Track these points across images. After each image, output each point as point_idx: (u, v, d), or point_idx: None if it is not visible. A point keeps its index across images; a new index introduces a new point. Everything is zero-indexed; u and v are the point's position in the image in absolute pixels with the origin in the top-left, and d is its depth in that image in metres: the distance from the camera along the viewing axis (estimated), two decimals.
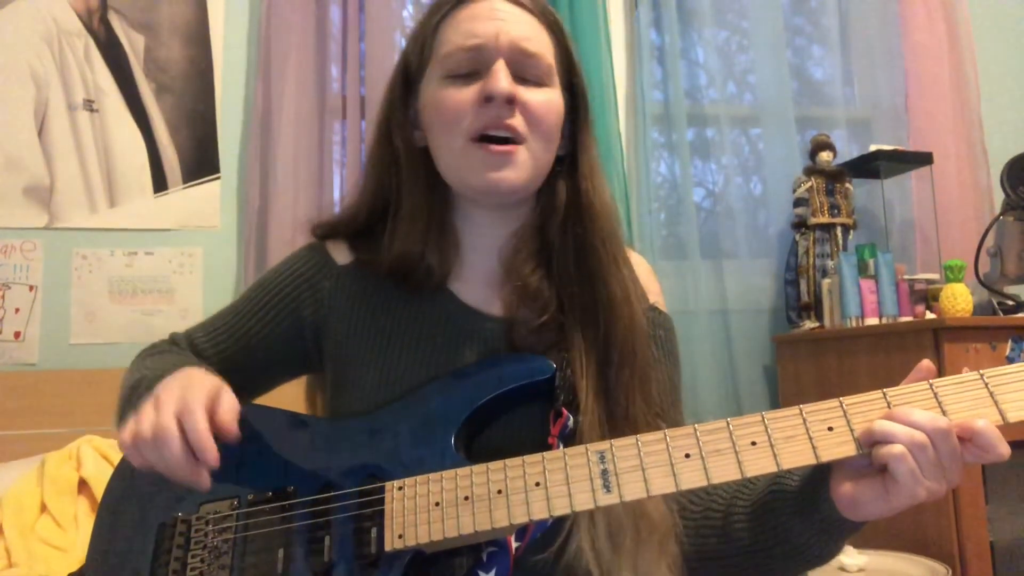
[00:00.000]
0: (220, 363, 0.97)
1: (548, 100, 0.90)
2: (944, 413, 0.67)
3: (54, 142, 2.20)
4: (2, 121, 2.18)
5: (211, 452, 0.72)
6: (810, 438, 0.68)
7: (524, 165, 0.88)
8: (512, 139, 0.87)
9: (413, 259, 0.90)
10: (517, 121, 0.87)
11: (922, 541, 1.87)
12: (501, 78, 0.85)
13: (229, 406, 0.76)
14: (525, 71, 0.89)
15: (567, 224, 0.92)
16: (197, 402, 0.74)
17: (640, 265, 1.03)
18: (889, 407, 0.68)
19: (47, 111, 2.21)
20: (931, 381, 0.69)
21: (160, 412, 0.73)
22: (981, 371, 0.68)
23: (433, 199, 0.92)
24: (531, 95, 0.88)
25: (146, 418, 0.74)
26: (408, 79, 0.95)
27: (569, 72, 0.96)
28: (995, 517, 1.88)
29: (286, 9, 2.31)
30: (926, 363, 0.71)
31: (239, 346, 0.98)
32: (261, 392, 1.01)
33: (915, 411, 0.66)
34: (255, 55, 2.35)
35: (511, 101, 0.86)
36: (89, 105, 2.24)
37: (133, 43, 2.30)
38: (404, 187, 0.93)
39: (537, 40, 0.90)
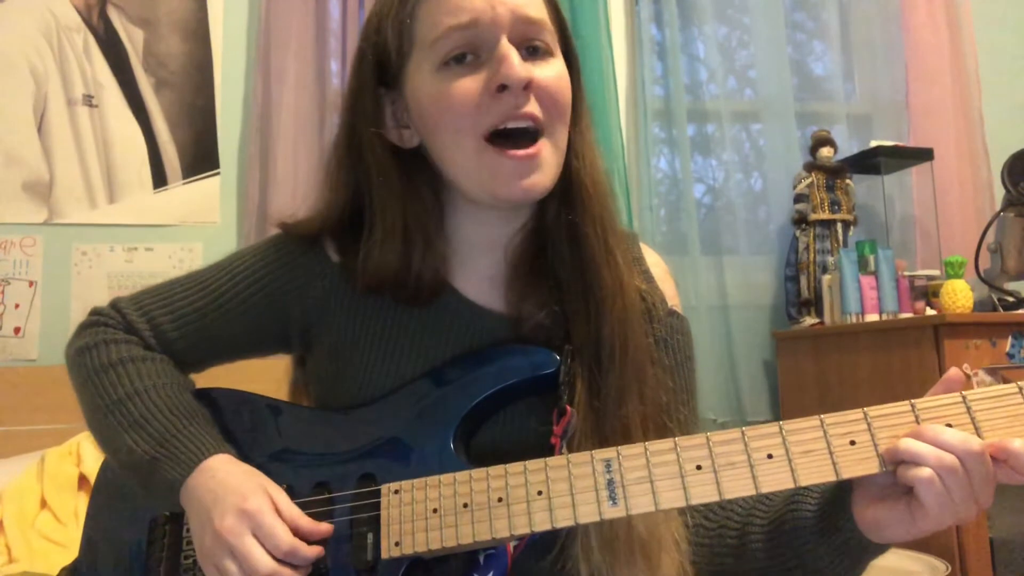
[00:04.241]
0: (185, 349, 0.90)
1: (560, 74, 0.81)
2: (977, 430, 0.62)
3: (53, 137, 2.20)
4: (1, 116, 2.17)
5: (316, 555, 0.73)
6: (830, 452, 0.64)
7: (550, 162, 0.80)
8: (532, 130, 0.78)
9: (392, 279, 0.83)
10: (534, 107, 0.77)
11: (921, 538, 1.86)
12: (514, 62, 0.75)
13: (289, 504, 0.75)
14: (530, 41, 0.79)
15: (560, 208, 0.85)
16: (278, 529, 0.72)
17: (657, 266, 0.95)
18: (917, 421, 0.63)
19: (46, 106, 2.21)
20: (964, 393, 0.63)
21: (248, 558, 0.70)
22: (1020, 383, 0.63)
23: (414, 208, 0.83)
24: (543, 72, 0.79)
25: (233, 572, 0.71)
26: (383, 73, 0.84)
27: (563, 33, 0.85)
28: (995, 514, 1.88)
29: (285, 4, 2.30)
30: (955, 372, 0.66)
31: (212, 335, 0.90)
32: (219, 365, 0.95)
33: (945, 430, 0.61)
34: (255, 50, 2.34)
35: (528, 86, 0.77)
36: (88, 100, 2.24)
37: (132, 38, 2.29)
38: (376, 202, 0.83)
39: (536, 4, 0.80)
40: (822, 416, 0.65)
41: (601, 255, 0.83)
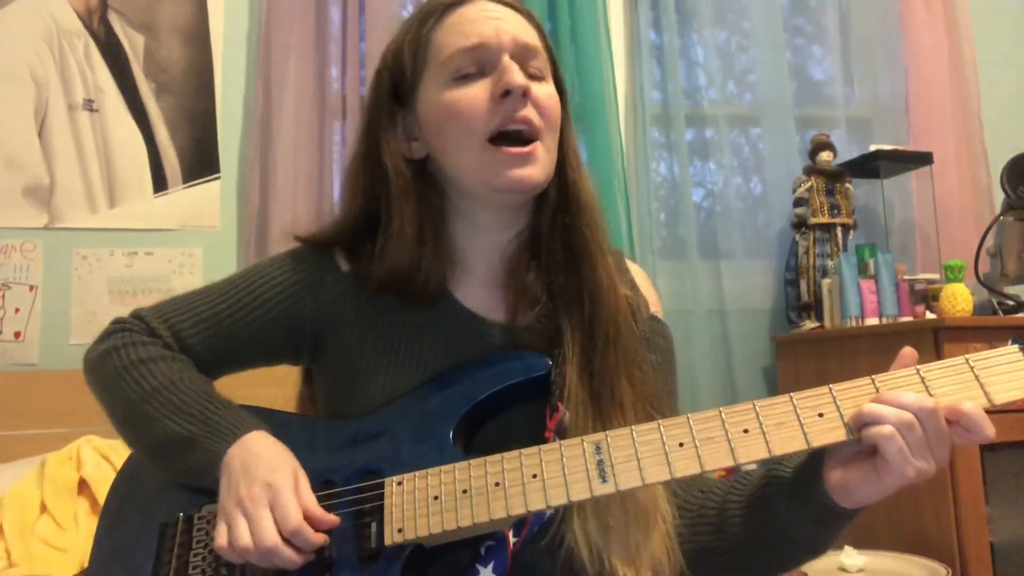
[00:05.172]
0: (202, 353, 0.95)
1: (551, 94, 0.91)
2: (931, 397, 0.69)
3: (54, 142, 2.20)
4: (2, 121, 2.18)
5: (320, 542, 0.76)
6: (801, 424, 0.70)
7: (543, 161, 0.89)
8: (528, 136, 0.87)
9: (404, 274, 0.90)
10: (532, 114, 0.87)
11: (922, 541, 1.87)
12: (516, 72, 0.86)
13: (308, 490, 0.79)
14: (527, 66, 0.90)
15: (556, 215, 0.93)
16: (292, 508, 0.76)
17: (638, 274, 1.04)
18: (878, 392, 0.70)
19: (47, 111, 2.21)
20: (918, 367, 0.71)
21: (259, 526, 0.75)
22: (967, 356, 0.69)
23: (425, 211, 0.91)
24: (538, 89, 0.89)
25: (242, 532, 0.75)
26: (398, 91, 0.94)
27: (553, 66, 0.96)
28: (995, 517, 1.88)
29: (286, 9, 2.31)
30: (908, 350, 0.73)
31: (230, 341, 0.95)
32: (232, 373, 1.00)
33: (903, 393, 0.68)
34: (255, 55, 2.35)
35: (526, 94, 0.86)
36: (89, 105, 2.24)
37: (133, 43, 2.30)
38: (393, 204, 0.91)
39: (532, 35, 0.92)
40: (791, 394, 0.71)
41: (596, 252, 0.92)
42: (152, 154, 2.28)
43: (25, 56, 2.21)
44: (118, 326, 0.97)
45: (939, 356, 1.89)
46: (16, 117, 2.18)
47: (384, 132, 0.93)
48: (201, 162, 2.31)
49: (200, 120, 2.33)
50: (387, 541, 0.76)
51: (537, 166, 0.88)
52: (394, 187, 0.91)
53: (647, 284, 1.04)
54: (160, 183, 2.28)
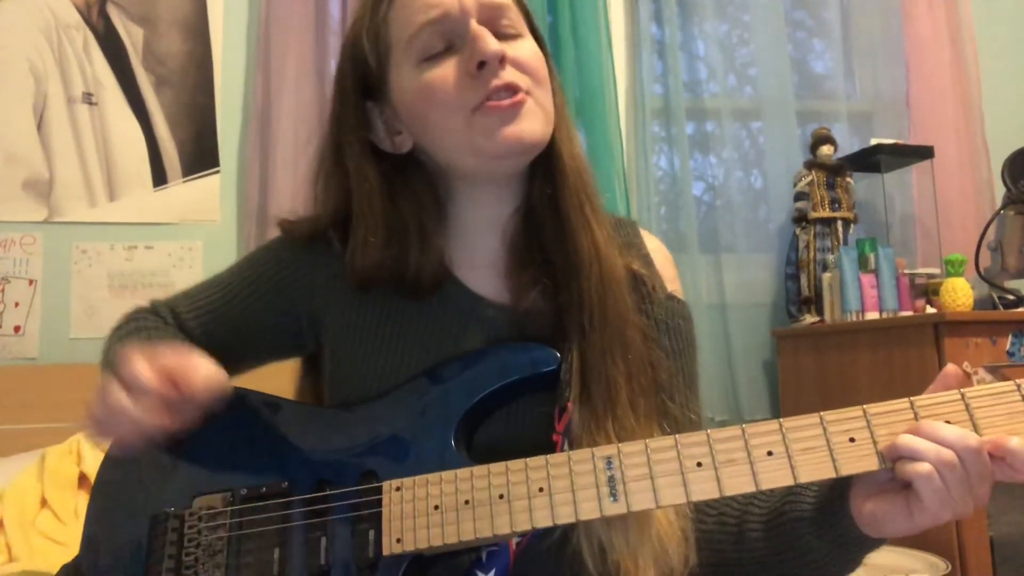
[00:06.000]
0: (203, 337, 0.93)
1: (533, 51, 0.84)
2: (976, 427, 0.62)
3: (53, 136, 2.20)
4: (1, 115, 2.17)
5: (145, 380, 0.73)
6: (830, 450, 0.64)
7: (536, 114, 0.82)
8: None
9: (385, 276, 0.85)
10: (514, 76, 0.80)
11: (922, 535, 1.86)
12: (488, 40, 0.79)
13: (178, 352, 0.76)
14: (499, 26, 0.82)
15: (543, 184, 0.87)
16: (133, 363, 0.73)
17: (657, 251, 0.97)
18: (916, 418, 0.64)
19: (46, 104, 2.20)
20: (963, 391, 0.64)
21: (106, 390, 0.74)
22: (1018, 381, 0.63)
23: (411, 207, 0.86)
24: (516, 50, 0.82)
25: (95, 402, 0.74)
26: (366, 86, 0.88)
27: (527, 16, 0.89)
28: (995, 512, 1.88)
29: (285, 3, 2.30)
30: (952, 368, 0.67)
31: (228, 328, 0.93)
32: (244, 370, 0.96)
33: (943, 426, 0.62)
34: (254, 49, 2.34)
35: (503, 60, 0.80)
36: (88, 98, 2.24)
37: (132, 36, 2.29)
38: (357, 210, 0.86)
39: None
40: (822, 413, 0.66)
41: (578, 221, 0.85)
42: (151, 148, 2.27)
43: (24, 49, 2.20)
44: (130, 314, 0.98)
45: (939, 351, 1.90)
46: (15, 111, 2.18)
47: (348, 131, 0.87)
48: (201, 156, 2.31)
49: (200, 114, 2.32)
50: (385, 551, 0.73)
51: (530, 119, 0.81)
52: (357, 192, 0.86)
53: (666, 260, 0.97)
54: (160, 177, 2.27)
